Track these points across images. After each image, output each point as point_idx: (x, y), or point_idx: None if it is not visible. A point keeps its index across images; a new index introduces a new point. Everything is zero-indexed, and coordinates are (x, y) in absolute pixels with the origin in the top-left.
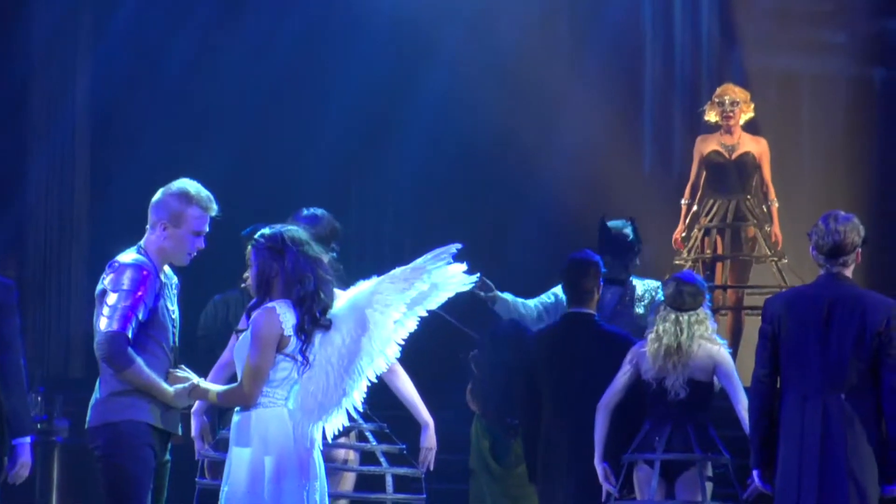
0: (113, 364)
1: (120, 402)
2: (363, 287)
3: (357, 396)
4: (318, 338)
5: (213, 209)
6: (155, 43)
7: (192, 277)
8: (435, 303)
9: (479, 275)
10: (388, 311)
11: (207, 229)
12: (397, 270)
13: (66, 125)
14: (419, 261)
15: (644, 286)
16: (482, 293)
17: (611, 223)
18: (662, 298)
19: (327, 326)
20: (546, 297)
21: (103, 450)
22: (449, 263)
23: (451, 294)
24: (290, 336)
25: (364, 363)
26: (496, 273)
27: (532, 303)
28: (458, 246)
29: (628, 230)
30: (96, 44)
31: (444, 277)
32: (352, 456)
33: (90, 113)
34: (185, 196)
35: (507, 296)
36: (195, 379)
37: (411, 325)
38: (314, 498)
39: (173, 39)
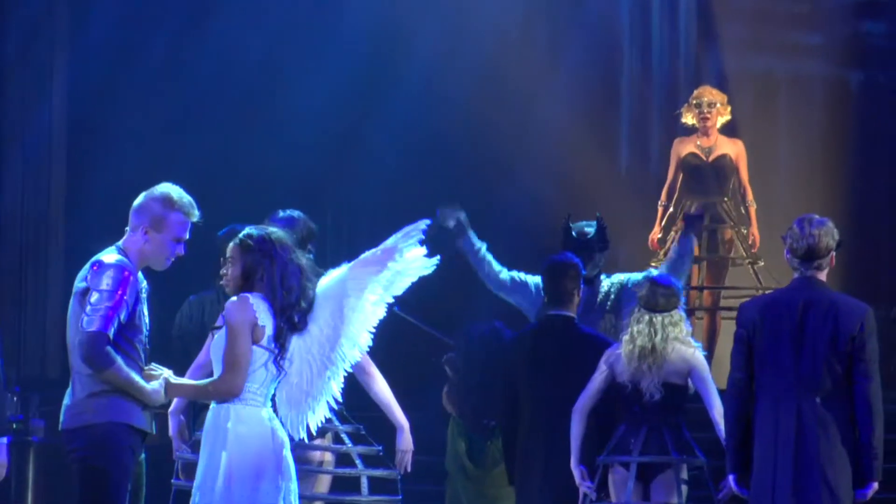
0: (94, 364)
1: (99, 403)
2: (334, 275)
3: (335, 387)
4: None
5: (195, 215)
6: (131, 44)
7: (165, 278)
8: (399, 288)
9: (438, 257)
10: (364, 294)
11: (188, 236)
12: (367, 254)
13: (42, 125)
14: (389, 241)
15: (609, 282)
16: (450, 223)
17: (574, 223)
18: (630, 289)
19: (302, 329)
20: (520, 276)
21: (83, 452)
22: (420, 240)
23: (414, 278)
24: (263, 326)
25: (346, 348)
26: (470, 270)
27: (505, 271)
28: (428, 222)
29: (590, 229)
30: (72, 45)
31: (406, 262)
32: (327, 457)
33: (66, 113)
34: (167, 201)
35: (482, 245)
36: (167, 373)
37: (380, 313)
38: (289, 499)
39: (149, 41)
